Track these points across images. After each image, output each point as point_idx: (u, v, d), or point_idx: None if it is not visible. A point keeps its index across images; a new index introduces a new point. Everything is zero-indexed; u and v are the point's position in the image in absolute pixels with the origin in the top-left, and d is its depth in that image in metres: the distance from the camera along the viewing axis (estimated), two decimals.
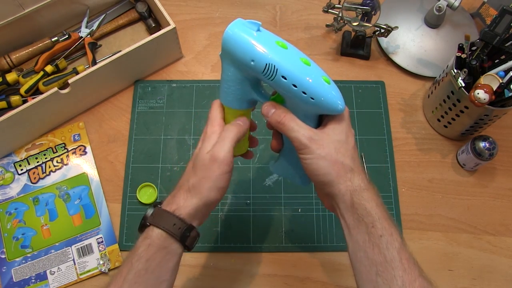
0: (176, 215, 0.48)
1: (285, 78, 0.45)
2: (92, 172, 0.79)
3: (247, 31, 0.45)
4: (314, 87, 0.45)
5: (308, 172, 0.49)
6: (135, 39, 0.89)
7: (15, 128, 0.75)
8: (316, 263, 0.73)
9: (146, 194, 0.78)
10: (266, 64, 0.44)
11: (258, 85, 0.50)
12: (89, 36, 0.86)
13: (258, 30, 0.45)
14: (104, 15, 0.89)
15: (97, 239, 0.74)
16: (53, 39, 0.85)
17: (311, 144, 0.47)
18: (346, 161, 0.47)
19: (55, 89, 0.74)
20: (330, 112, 0.48)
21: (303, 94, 0.45)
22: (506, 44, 0.70)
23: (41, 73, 0.81)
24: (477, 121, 0.73)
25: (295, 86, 0.45)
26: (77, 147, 0.81)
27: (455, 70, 0.70)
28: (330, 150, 0.47)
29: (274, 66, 0.44)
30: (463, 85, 0.69)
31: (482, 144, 0.73)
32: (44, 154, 0.80)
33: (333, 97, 0.46)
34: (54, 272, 0.72)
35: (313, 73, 0.46)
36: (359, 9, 0.80)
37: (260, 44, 0.45)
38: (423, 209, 0.77)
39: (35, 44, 0.85)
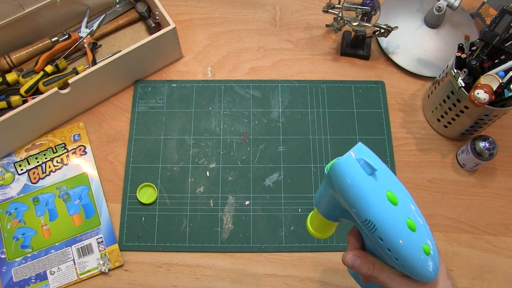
0: None
1: (381, 240, 0.40)
2: (92, 172, 0.79)
3: (359, 173, 0.40)
4: (409, 259, 0.40)
5: None
6: (135, 39, 0.89)
7: (15, 128, 0.75)
8: (316, 263, 0.73)
9: (146, 194, 0.78)
10: (366, 219, 0.40)
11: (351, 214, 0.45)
12: (89, 36, 0.86)
13: (372, 173, 0.40)
14: (104, 15, 0.89)
15: (97, 239, 0.74)
16: (53, 39, 0.85)
17: None
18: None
19: (55, 89, 0.74)
20: (416, 278, 0.43)
21: (395, 260, 0.41)
22: (506, 44, 0.70)
23: (41, 73, 0.81)
24: (477, 121, 0.73)
25: (389, 250, 0.41)
26: (77, 147, 0.81)
27: (455, 70, 0.70)
28: None
29: (374, 225, 0.40)
30: (463, 85, 0.69)
31: (482, 144, 0.73)
32: (44, 154, 0.80)
33: (426, 270, 0.41)
34: (54, 272, 0.72)
35: (414, 243, 0.40)
36: (359, 9, 0.80)
37: (367, 195, 0.40)
38: (423, 209, 0.76)
39: (35, 44, 0.85)
